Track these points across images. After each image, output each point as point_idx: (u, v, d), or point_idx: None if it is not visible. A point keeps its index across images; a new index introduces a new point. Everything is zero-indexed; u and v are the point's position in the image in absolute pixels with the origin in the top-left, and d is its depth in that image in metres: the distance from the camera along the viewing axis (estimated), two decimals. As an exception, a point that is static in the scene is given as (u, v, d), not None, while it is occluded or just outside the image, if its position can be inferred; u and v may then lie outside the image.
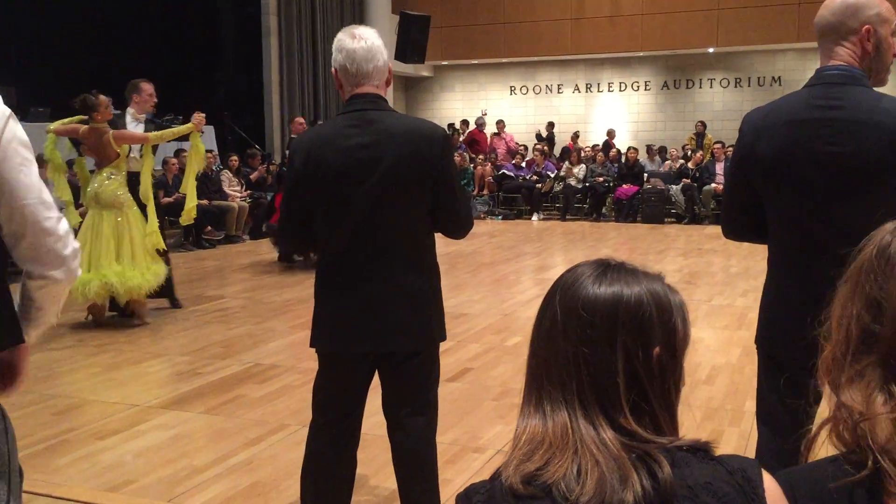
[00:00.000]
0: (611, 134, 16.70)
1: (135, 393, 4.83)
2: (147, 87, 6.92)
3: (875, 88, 2.16)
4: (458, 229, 2.68)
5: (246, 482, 3.52)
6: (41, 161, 6.34)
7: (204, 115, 6.82)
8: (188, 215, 7.00)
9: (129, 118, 6.91)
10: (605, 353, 1.08)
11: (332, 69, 2.60)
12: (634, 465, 1.03)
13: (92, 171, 6.65)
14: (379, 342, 2.58)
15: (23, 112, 11.65)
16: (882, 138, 2.03)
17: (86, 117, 6.50)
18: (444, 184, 2.55)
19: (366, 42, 2.53)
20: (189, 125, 6.72)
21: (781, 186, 2.18)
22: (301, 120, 10.65)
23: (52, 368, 5.35)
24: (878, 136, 2.04)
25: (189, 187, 6.92)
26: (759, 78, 16.92)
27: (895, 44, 2.17)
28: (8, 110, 1.71)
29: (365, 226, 2.52)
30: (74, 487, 3.47)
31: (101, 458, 3.81)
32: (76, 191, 7.18)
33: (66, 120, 6.72)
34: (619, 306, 1.09)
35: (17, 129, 1.70)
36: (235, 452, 3.86)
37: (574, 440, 1.06)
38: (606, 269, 1.14)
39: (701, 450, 1.07)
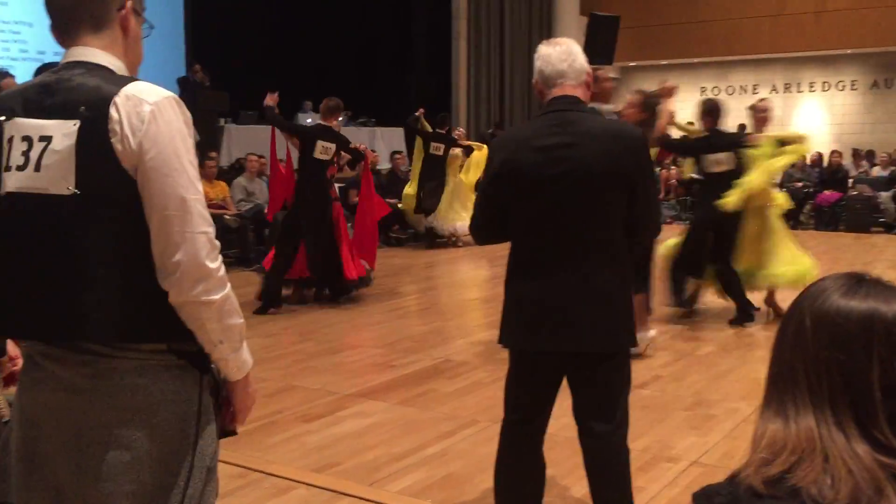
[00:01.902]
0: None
1: (334, 381, 5.11)
2: None
3: None
4: (649, 233, 2.67)
5: (441, 473, 3.64)
6: None
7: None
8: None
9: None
10: (861, 361, 1.05)
11: (533, 80, 2.68)
12: (891, 482, 1.00)
13: None
14: (567, 341, 2.58)
15: (234, 115, 12.58)
16: None
17: None
18: (639, 185, 2.53)
19: (562, 46, 2.61)
20: None
21: None
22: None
23: (262, 354, 5.75)
24: None
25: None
26: (984, 75, 15.37)
27: None
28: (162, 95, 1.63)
29: (560, 225, 2.54)
30: (284, 466, 3.72)
31: (307, 440, 4.07)
32: None
33: None
34: (874, 319, 1.06)
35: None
36: (430, 444, 4.00)
37: (822, 447, 1.04)
38: (860, 282, 1.11)
39: None
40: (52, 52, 1.71)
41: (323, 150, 7.11)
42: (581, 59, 2.62)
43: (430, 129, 11.38)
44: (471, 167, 11.33)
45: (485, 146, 11.11)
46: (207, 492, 1.69)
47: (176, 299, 1.60)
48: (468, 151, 11.65)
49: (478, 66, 16.03)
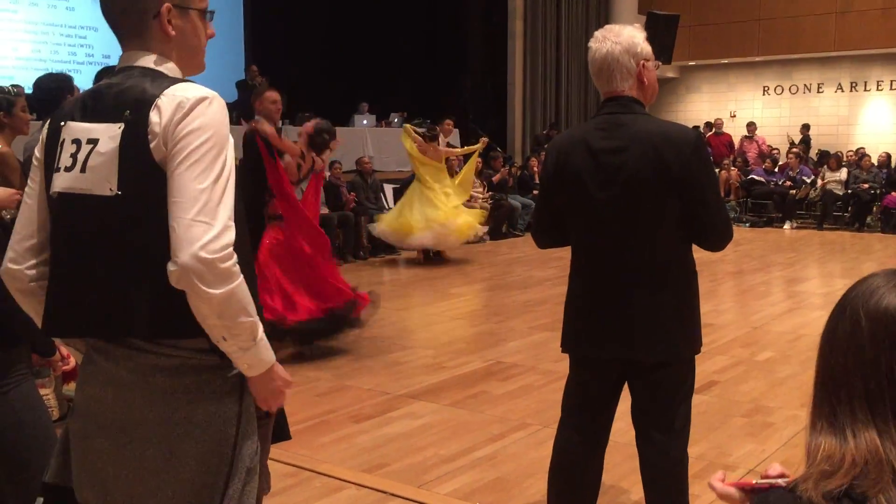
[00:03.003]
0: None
1: (386, 381, 5.12)
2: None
3: None
4: (715, 240, 2.55)
5: (490, 476, 3.62)
6: None
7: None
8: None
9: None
10: None
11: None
12: None
13: None
14: (623, 349, 2.54)
15: (291, 116, 12.74)
16: None
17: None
18: (694, 191, 2.43)
19: (607, 44, 2.48)
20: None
21: None
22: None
23: (312, 354, 5.80)
24: None
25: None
26: None
27: None
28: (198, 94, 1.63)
29: (612, 231, 2.49)
30: (335, 466, 3.74)
31: (358, 440, 4.08)
32: None
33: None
34: None
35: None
36: (480, 446, 3.97)
37: (889, 461, 0.98)
38: None
39: None
40: (117, 55, 1.73)
41: None
42: (630, 55, 2.48)
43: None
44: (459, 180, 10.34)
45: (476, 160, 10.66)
46: (247, 492, 1.69)
47: (176, 286, 1.56)
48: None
49: (533, 66, 15.94)
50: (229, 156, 1.64)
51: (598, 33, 2.55)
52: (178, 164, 1.57)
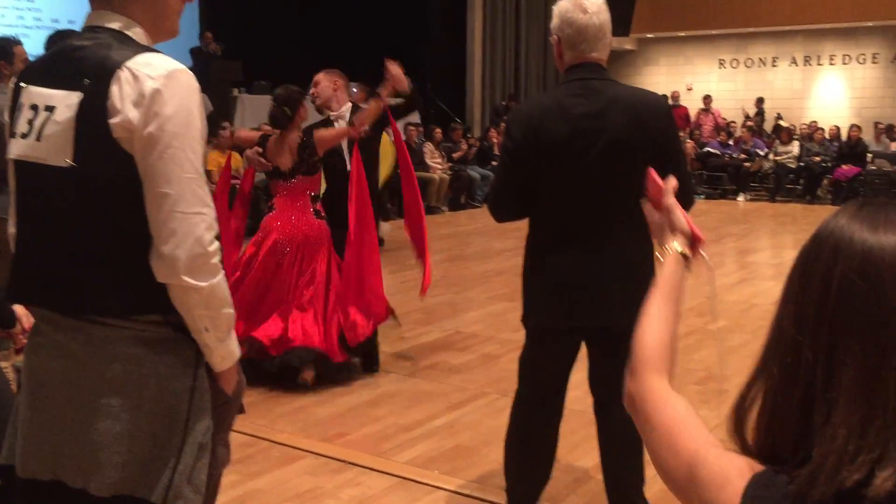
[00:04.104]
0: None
1: (345, 352, 5.11)
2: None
3: None
4: (685, 202, 2.59)
5: (449, 444, 3.65)
6: None
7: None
8: None
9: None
10: None
11: (553, 37, 2.55)
12: None
13: None
14: (593, 317, 2.55)
15: (247, 85, 12.54)
16: None
17: None
18: (671, 155, 2.47)
19: (598, 18, 2.48)
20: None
21: None
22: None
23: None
24: None
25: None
26: None
27: None
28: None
29: (588, 196, 2.49)
30: (293, 435, 3.74)
31: (317, 410, 4.08)
32: None
33: None
34: None
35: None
36: (438, 415, 4.00)
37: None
38: (882, 209, 0.89)
39: None
40: (66, 20, 1.64)
41: None
42: (608, 23, 2.53)
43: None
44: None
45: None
46: (199, 468, 1.66)
47: (164, 280, 1.56)
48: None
49: (493, 37, 15.88)
50: (202, 135, 1.60)
51: (583, 2, 2.49)
52: (158, 152, 1.53)
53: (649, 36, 17.84)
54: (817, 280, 0.89)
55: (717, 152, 14.77)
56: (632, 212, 2.52)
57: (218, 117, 9.65)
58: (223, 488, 2.06)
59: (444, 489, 3.23)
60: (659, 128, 2.45)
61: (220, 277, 1.60)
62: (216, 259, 1.58)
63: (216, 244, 1.58)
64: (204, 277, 1.56)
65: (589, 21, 2.47)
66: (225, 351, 1.67)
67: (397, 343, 5.29)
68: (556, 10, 2.53)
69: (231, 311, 1.65)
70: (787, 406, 0.91)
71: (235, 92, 12.17)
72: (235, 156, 10.15)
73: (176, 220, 1.52)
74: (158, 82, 1.53)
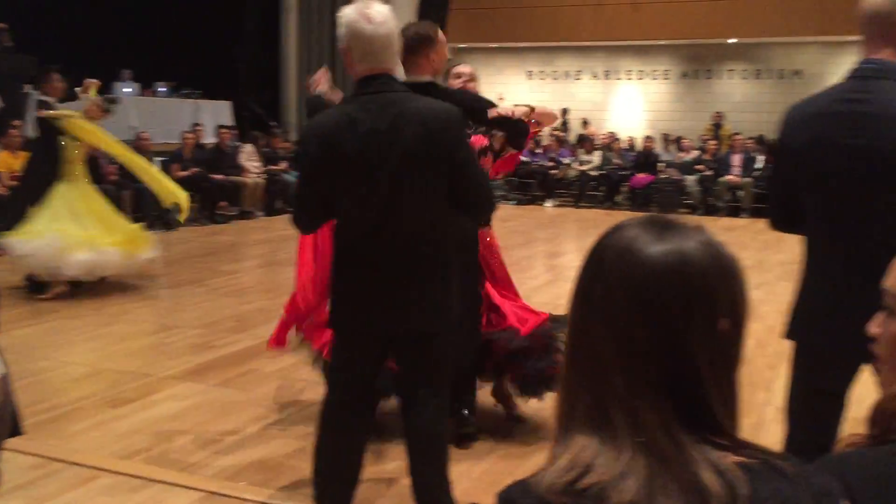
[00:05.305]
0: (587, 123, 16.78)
1: (149, 363, 4.89)
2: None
3: None
4: (481, 211, 2.70)
5: (258, 455, 3.57)
6: None
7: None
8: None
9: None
10: (679, 334, 0.88)
11: (341, 47, 2.55)
12: (716, 480, 0.85)
13: None
14: (394, 322, 2.60)
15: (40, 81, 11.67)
16: None
17: None
18: (461, 166, 2.53)
19: (384, 28, 2.49)
20: None
21: (810, 178, 2.20)
22: None
23: (69, 336, 5.41)
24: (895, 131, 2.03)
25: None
26: (779, 70, 16.77)
27: None
28: None
29: (382, 210, 2.52)
30: (89, 454, 3.52)
31: (115, 426, 3.86)
32: None
33: None
34: (685, 272, 0.89)
35: None
36: (248, 426, 3.90)
37: (652, 445, 0.87)
38: (662, 227, 0.93)
39: (775, 461, 0.90)
40: None
41: None
42: (395, 32, 2.54)
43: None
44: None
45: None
46: None
47: None
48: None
49: (309, 39, 15.72)
50: None
51: (369, 12, 2.50)
52: None
53: (462, 46, 18.33)
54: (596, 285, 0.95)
55: (527, 160, 15.40)
56: (427, 223, 2.60)
57: (8, 115, 8.92)
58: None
59: (253, 501, 3.16)
60: (450, 139, 2.50)
61: None
62: None
63: None
64: None
65: (375, 32, 2.48)
66: None
67: (204, 352, 5.12)
68: (342, 19, 2.52)
69: None
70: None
71: (28, 88, 11.31)
72: (27, 156, 9.41)
73: None
74: None
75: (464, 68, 3.87)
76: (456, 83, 3.82)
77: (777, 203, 2.42)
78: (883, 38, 2.12)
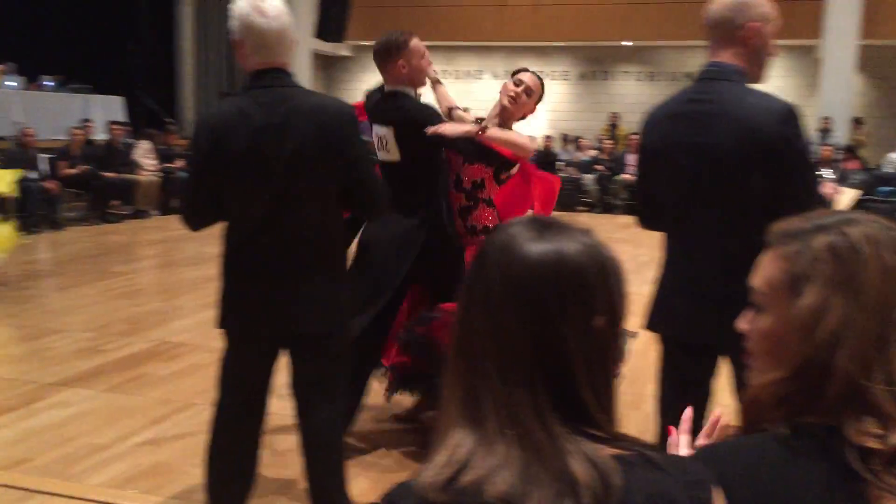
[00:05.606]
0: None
1: (32, 369, 4.67)
2: None
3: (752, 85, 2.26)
4: (374, 209, 2.68)
5: (149, 461, 3.46)
6: None
7: None
8: None
9: None
10: (553, 329, 0.91)
11: (233, 39, 2.48)
12: (587, 470, 0.87)
13: None
14: (286, 324, 2.55)
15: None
16: (738, 131, 2.14)
17: None
18: (354, 163, 2.51)
19: (277, 20, 2.44)
20: None
21: (663, 176, 2.33)
22: None
23: (-56, 343, 5.12)
24: (734, 129, 2.15)
25: None
26: (672, 73, 17.37)
27: (771, 43, 2.29)
28: None
29: (274, 207, 2.47)
30: (-35, 466, 3.34)
31: (-5, 436, 3.68)
32: None
33: None
34: (562, 269, 0.92)
35: None
36: (138, 431, 3.78)
37: (527, 439, 0.89)
38: (544, 227, 0.97)
39: (649, 453, 0.93)
40: None
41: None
42: (292, 30, 2.50)
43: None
44: None
45: None
46: None
47: None
48: None
49: (206, 34, 15.35)
50: None
51: (262, 5, 2.44)
52: None
53: (364, 43, 18.24)
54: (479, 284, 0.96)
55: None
56: (319, 220, 2.56)
57: None
58: None
59: (143, 509, 3.06)
60: (341, 135, 2.47)
61: None
62: None
63: None
64: None
65: (269, 25, 2.43)
66: None
67: (93, 357, 4.93)
68: (234, 11, 2.46)
69: None
70: None
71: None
72: None
73: None
74: None
75: (523, 76, 3.78)
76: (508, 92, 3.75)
77: (642, 201, 2.52)
78: (724, 41, 2.26)
